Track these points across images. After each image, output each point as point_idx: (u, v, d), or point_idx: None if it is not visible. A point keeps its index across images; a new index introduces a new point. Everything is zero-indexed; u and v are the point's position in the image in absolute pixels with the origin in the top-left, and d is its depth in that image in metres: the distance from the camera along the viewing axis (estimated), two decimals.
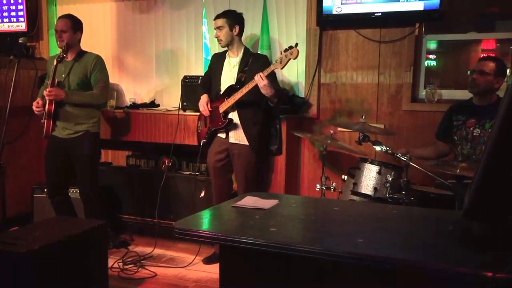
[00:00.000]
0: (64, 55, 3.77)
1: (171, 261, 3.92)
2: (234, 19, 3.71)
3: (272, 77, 3.52)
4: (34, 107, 3.87)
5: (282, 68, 3.46)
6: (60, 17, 3.96)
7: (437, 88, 3.99)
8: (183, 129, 4.23)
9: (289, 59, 3.37)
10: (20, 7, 5.04)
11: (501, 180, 1.44)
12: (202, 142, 3.83)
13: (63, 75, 3.84)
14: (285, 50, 3.38)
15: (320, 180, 3.71)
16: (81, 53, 3.94)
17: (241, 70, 3.69)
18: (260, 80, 3.37)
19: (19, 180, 4.63)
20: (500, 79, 3.28)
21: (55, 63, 3.74)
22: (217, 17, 3.76)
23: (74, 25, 3.90)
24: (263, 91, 3.42)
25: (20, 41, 3.77)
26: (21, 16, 5.06)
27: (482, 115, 3.32)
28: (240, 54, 3.75)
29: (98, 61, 3.93)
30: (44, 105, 3.82)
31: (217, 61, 3.86)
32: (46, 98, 3.76)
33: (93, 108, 3.93)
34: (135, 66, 4.97)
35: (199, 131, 3.95)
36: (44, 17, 5.22)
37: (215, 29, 3.76)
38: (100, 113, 4.09)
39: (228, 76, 3.75)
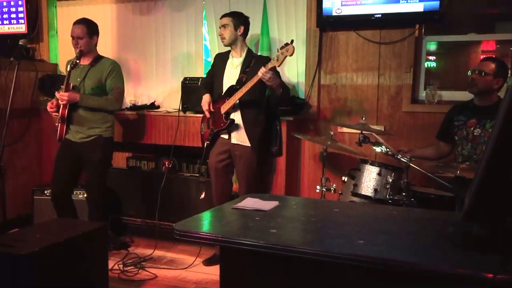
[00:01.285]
0: (78, 62, 3.77)
1: (172, 262, 3.92)
2: (240, 19, 3.72)
3: (275, 73, 3.52)
4: (48, 108, 3.87)
5: (279, 66, 3.46)
6: (75, 23, 3.90)
7: (437, 89, 4.00)
8: (183, 131, 4.23)
9: (285, 56, 3.37)
10: (20, 9, 5.05)
11: (501, 181, 1.44)
12: (205, 144, 3.83)
13: (79, 79, 3.84)
14: (281, 48, 3.39)
15: (320, 181, 3.71)
16: (98, 58, 3.93)
17: (243, 71, 3.69)
18: (264, 74, 3.38)
19: (19, 182, 4.63)
20: (499, 80, 3.28)
21: (68, 68, 3.74)
22: (224, 15, 3.77)
23: (90, 30, 3.88)
24: (269, 83, 3.43)
25: (20, 43, 3.76)
26: (21, 18, 5.06)
27: (483, 115, 3.33)
28: (243, 55, 3.75)
29: (114, 67, 3.92)
30: (58, 108, 3.82)
31: (220, 61, 3.86)
32: (60, 102, 3.76)
33: (106, 113, 3.92)
34: (135, 68, 4.97)
35: (202, 133, 3.95)
36: (44, 19, 5.23)
37: (220, 27, 3.76)
38: (114, 117, 4.07)
39: (230, 76, 3.75)
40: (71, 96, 3.73)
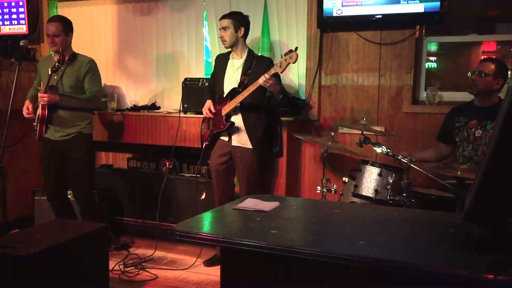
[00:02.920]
0: (60, 65, 3.66)
1: (172, 263, 3.92)
2: (240, 20, 3.71)
3: (276, 78, 3.52)
4: (24, 114, 3.83)
5: (281, 72, 3.46)
6: (50, 21, 3.85)
7: (437, 90, 4.00)
8: (183, 132, 4.23)
9: (289, 63, 3.36)
10: (21, 10, 5.05)
11: (502, 182, 1.44)
12: (204, 144, 3.83)
13: (55, 77, 3.77)
14: (285, 54, 3.37)
15: (321, 182, 3.71)
16: (74, 56, 3.87)
17: (244, 72, 3.68)
18: (266, 81, 3.38)
19: (20, 183, 4.64)
20: (499, 80, 3.28)
21: (49, 72, 3.61)
22: (223, 17, 3.74)
23: (65, 27, 3.82)
24: (271, 89, 3.45)
25: (21, 43, 3.76)
26: (22, 19, 5.07)
27: (483, 116, 3.33)
28: (244, 56, 3.74)
29: (92, 65, 3.88)
30: (35, 109, 3.77)
31: (221, 62, 3.86)
32: (40, 103, 3.70)
33: (85, 111, 3.89)
34: (135, 69, 4.97)
35: (202, 133, 3.95)
36: (45, 20, 5.19)
37: (220, 29, 3.74)
38: (93, 114, 4.05)
39: (232, 78, 3.75)
40: (51, 97, 3.66)
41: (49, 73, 3.66)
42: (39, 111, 3.73)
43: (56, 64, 3.66)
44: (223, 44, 3.76)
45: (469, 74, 3.37)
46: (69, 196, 4.09)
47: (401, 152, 3.53)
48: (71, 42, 3.91)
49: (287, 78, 4.30)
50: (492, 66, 3.28)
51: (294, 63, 3.38)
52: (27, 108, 3.83)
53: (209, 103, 3.78)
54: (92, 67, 3.87)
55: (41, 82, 3.78)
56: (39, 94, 3.69)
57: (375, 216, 2.16)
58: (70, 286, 2.65)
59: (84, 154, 3.89)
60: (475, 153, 3.36)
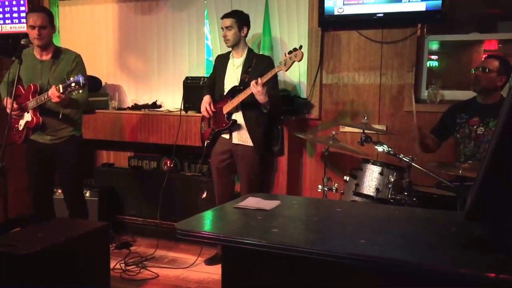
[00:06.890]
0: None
1: (173, 262, 3.92)
2: (243, 20, 3.70)
3: (273, 81, 3.50)
4: (11, 111, 3.37)
5: (286, 70, 3.45)
6: (34, 11, 3.50)
7: (439, 88, 3.99)
8: (185, 130, 4.23)
9: (294, 61, 3.34)
10: (22, 8, 5.05)
11: (503, 181, 1.44)
12: (206, 143, 3.83)
13: (42, 77, 3.50)
14: (289, 52, 3.35)
15: (322, 181, 3.70)
16: (58, 51, 3.56)
17: (244, 71, 3.68)
18: (254, 87, 3.36)
19: (21, 182, 4.61)
20: (503, 77, 3.27)
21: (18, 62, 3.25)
22: (226, 16, 3.72)
23: (51, 19, 3.49)
24: (256, 97, 3.41)
25: (22, 42, 3.74)
26: (23, 18, 5.06)
27: (485, 113, 3.31)
28: (244, 55, 3.74)
29: (80, 60, 3.56)
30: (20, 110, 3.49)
31: (221, 62, 3.85)
32: (54, 100, 3.24)
33: (74, 112, 3.61)
34: (137, 67, 4.98)
35: (202, 131, 3.95)
36: None
37: (222, 28, 3.73)
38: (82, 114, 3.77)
39: (232, 76, 3.75)
40: (66, 98, 3.27)
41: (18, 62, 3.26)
42: (29, 117, 3.49)
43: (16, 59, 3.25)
44: (226, 43, 3.75)
45: (473, 70, 3.37)
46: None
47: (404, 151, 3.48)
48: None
49: (288, 77, 4.30)
50: (496, 63, 3.27)
51: (299, 61, 3.37)
52: (11, 103, 3.36)
53: (208, 100, 3.76)
54: (80, 63, 3.55)
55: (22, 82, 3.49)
56: (55, 91, 3.21)
57: (376, 215, 2.16)
58: (71, 285, 2.65)
59: (77, 159, 3.66)
60: (477, 150, 3.34)
